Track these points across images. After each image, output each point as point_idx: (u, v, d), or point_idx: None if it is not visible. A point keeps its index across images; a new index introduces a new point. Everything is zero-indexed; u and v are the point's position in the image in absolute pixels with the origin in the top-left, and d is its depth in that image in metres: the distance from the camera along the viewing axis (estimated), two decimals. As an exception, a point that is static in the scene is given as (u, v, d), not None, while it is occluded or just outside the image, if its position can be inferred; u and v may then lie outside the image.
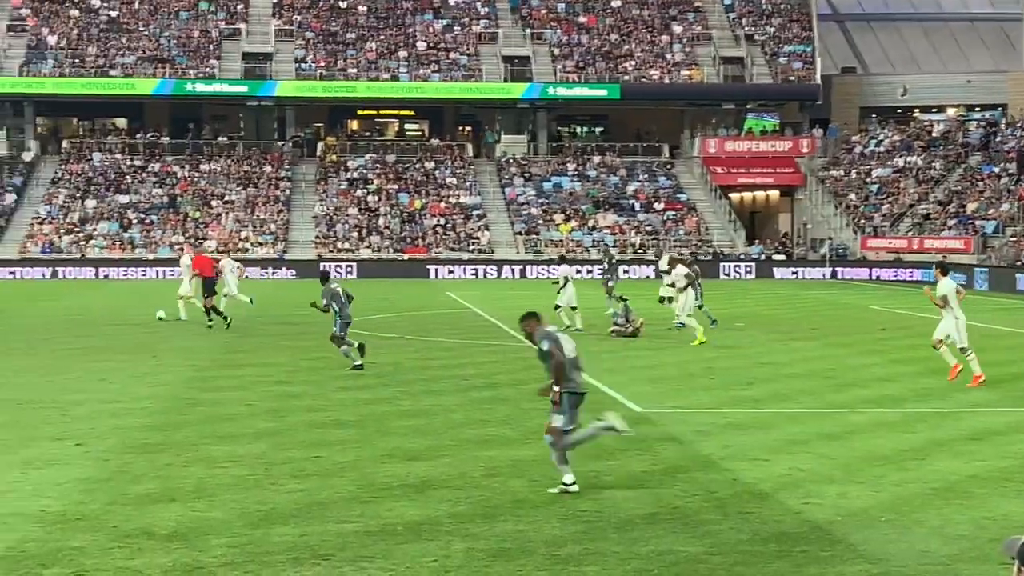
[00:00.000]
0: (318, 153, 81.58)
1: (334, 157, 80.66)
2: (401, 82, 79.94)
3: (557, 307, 34.57)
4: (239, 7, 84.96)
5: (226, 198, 75.45)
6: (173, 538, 11.84)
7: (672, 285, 33.38)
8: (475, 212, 74.79)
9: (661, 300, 36.64)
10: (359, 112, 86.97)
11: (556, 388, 14.06)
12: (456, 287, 57.92)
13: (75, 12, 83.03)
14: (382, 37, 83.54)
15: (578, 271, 35.00)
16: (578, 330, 33.29)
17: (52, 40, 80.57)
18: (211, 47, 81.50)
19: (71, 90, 77.61)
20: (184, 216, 73.39)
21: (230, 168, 78.44)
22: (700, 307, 35.00)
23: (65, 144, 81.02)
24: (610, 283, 36.32)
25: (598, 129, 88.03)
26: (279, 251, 70.56)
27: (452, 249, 71.12)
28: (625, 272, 42.73)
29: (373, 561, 11.17)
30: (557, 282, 35.37)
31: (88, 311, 39.26)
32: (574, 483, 13.95)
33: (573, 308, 34.52)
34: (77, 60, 79.20)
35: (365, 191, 76.63)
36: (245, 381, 23.37)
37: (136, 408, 19.91)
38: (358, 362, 24.96)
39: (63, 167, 77.90)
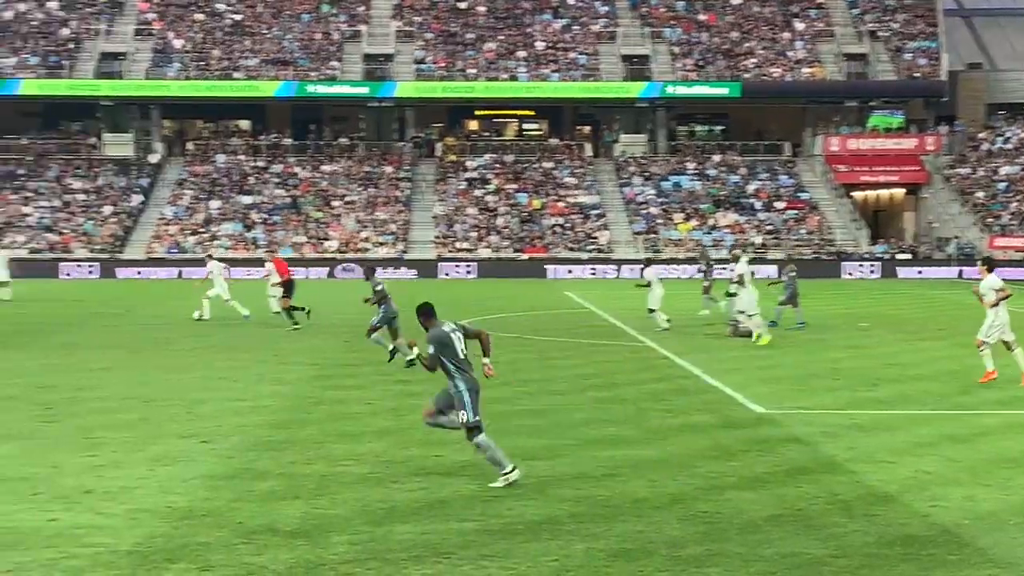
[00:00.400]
0: (437, 153, 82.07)
1: (453, 157, 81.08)
2: (520, 82, 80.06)
3: (651, 311, 34.45)
4: (360, 9, 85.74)
5: (347, 198, 76.18)
6: (296, 535, 11.97)
7: (738, 282, 32.37)
8: (594, 212, 74.68)
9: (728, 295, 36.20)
10: (478, 112, 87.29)
11: (427, 365, 14.58)
12: (574, 287, 57.85)
13: (200, 16, 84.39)
14: (501, 37, 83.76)
15: (660, 276, 34.87)
16: (664, 330, 33.27)
17: (178, 44, 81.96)
18: (332, 49, 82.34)
19: (196, 93, 78.90)
20: (305, 217, 74.25)
21: (351, 169, 79.20)
22: (794, 307, 34.71)
23: (190, 146, 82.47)
24: (705, 283, 36.27)
25: (718, 128, 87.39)
26: (399, 251, 71.08)
27: (571, 249, 71.07)
28: (720, 272, 42.48)
29: (494, 560, 11.19)
30: (642, 284, 35.33)
31: (212, 311, 39.77)
32: (515, 469, 14.26)
33: (651, 310, 34.48)
34: (202, 63, 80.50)
35: (484, 191, 76.90)
36: (365, 380, 23.56)
37: (259, 406, 20.16)
38: (407, 355, 24.97)
39: (188, 169, 79.25)
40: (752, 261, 38.09)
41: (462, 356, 14.40)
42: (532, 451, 16.26)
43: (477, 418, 14.26)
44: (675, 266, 66.92)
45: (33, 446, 16.48)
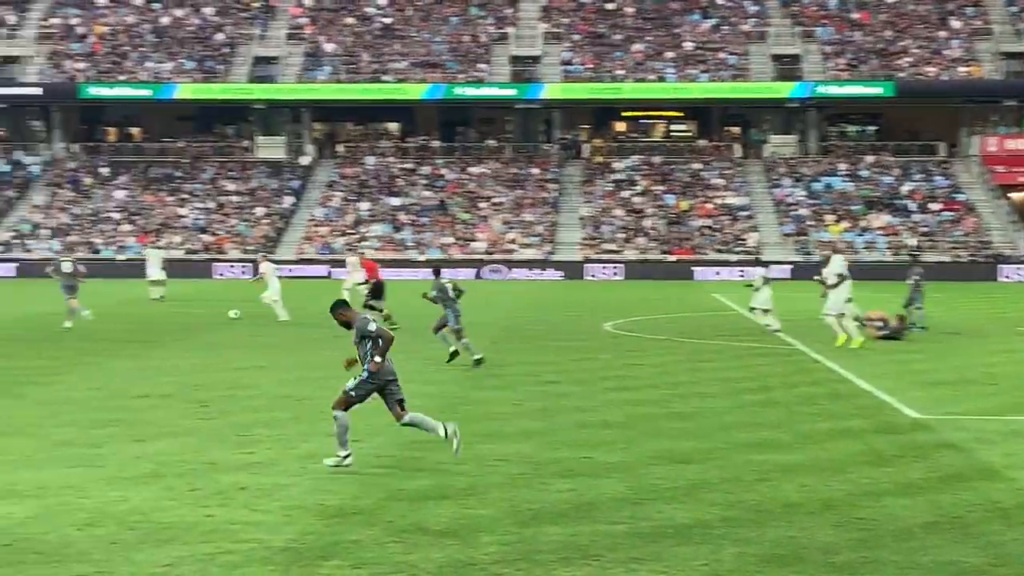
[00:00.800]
0: (584, 155, 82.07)
1: (600, 159, 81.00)
2: (668, 83, 79.66)
3: (752, 309, 34.44)
4: (508, 11, 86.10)
5: (494, 200, 76.56)
6: (446, 534, 12.04)
7: (823, 283, 31.20)
8: (742, 213, 74.03)
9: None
10: (625, 113, 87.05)
11: (378, 360, 15.50)
12: (722, 289, 57.38)
13: (350, 20, 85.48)
14: (649, 38, 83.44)
15: (768, 279, 34.59)
16: (776, 331, 32.87)
17: (329, 48, 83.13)
18: (480, 51, 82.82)
19: (346, 96, 79.93)
20: (453, 218, 74.79)
21: (498, 171, 79.57)
22: (918, 309, 34.05)
23: (340, 148, 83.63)
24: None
25: (870, 128, 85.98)
26: (545, 253, 71.22)
27: (718, 251, 70.54)
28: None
29: (643, 563, 11.14)
30: (751, 284, 35.03)
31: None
32: (348, 457, 15.11)
33: (766, 311, 34.15)
34: (352, 66, 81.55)
35: (631, 192, 76.70)
36: (513, 380, 23.64)
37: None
38: (475, 356, 25.77)
39: (338, 171, 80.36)
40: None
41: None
42: (682, 454, 16.16)
43: (354, 395, 15.44)
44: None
45: (190, 443, 16.83)
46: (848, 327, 30.21)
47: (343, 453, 15.14)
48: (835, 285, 30.48)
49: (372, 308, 34.41)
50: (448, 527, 12.31)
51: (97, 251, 71.83)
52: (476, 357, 25.82)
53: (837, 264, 31.70)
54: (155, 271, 48.15)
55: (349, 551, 11.45)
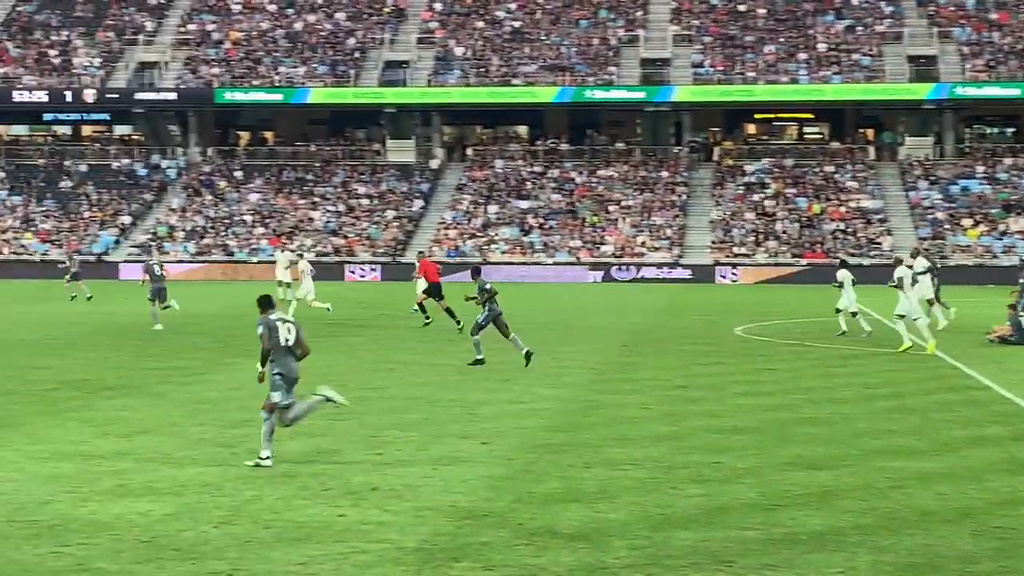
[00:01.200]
0: (715, 157, 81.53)
1: (731, 161, 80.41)
2: (800, 84, 78.84)
3: (838, 311, 34.06)
4: (638, 14, 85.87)
5: (623, 203, 76.41)
6: (576, 538, 12.06)
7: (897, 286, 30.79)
8: (876, 216, 72.99)
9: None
10: (756, 116, 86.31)
11: (261, 369, 16.18)
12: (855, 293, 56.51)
13: (480, 24, 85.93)
14: (781, 39, 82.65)
15: (854, 280, 34.37)
16: (867, 333, 32.48)
17: (459, 51, 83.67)
18: (610, 54, 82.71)
19: (476, 99, 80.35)
20: (582, 221, 74.78)
21: (627, 173, 79.39)
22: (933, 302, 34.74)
23: (469, 152, 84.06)
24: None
25: (1009, 130, 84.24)
26: (675, 256, 70.91)
27: (851, 254, 69.58)
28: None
29: (776, 570, 11.05)
30: (840, 285, 34.49)
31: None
32: (269, 459, 15.33)
33: (853, 313, 33.99)
34: (481, 70, 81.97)
35: (762, 195, 76.05)
36: (643, 385, 23.59)
37: (538, 409, 20.40)
38: (479, 356, 26.43)
39: (467, 174, 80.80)
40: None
41: (283, 344, 15.97)
42: (815, 460, 16.00)
43: (286, 401, 15.77)
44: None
45: (323, 443, 17.05)
46: (918, 329, 30.17)
47: (267, 454, 15.43)
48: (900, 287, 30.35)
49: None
50: (578, 530, 12.33)
51: (231, 253, 73.05)
52: (525, 351, 26.35)
53: (903, 269, 31.40)
54: (282, 273, 48.95)
55: (480, 553, 11.52)
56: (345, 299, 50.62)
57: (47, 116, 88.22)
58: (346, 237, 74.39)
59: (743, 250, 70.93)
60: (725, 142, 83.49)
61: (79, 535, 12.02)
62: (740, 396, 22.03)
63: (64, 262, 50.85)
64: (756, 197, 75.93)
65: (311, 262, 44.47)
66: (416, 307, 37.76)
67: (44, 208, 79.44)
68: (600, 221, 74.89)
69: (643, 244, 72.06)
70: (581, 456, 16.14)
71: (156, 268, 37.89)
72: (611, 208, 76.00)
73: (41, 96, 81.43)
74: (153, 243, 71.21)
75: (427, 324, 36.26)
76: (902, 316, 30.38)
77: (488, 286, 27.13)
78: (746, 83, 79.02)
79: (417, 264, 39.19)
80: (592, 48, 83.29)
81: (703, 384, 23.73)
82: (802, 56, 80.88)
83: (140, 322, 38.44)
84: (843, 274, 34.51)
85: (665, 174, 78.96)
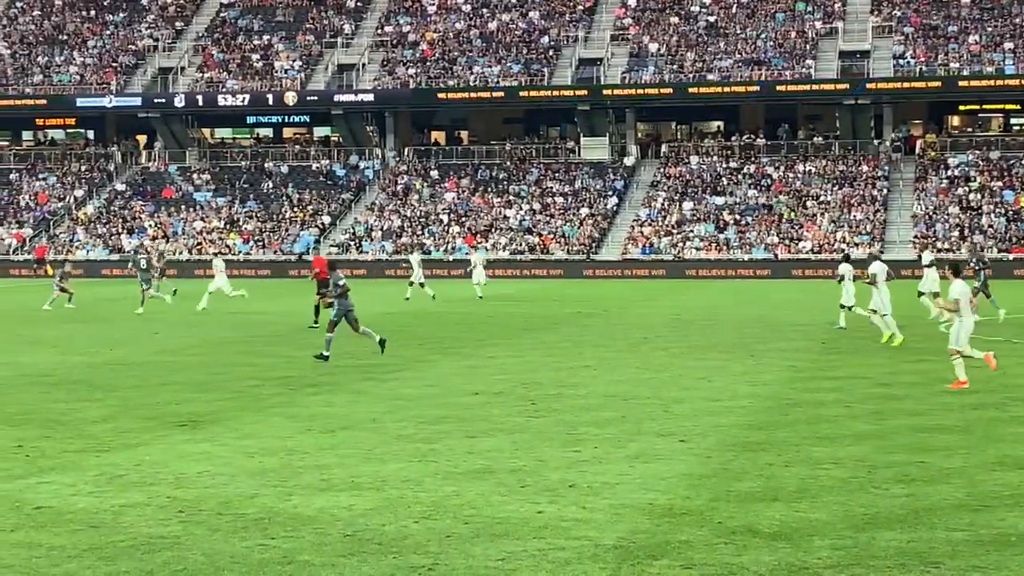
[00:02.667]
0: (917, 151, 79.72)
1: (934, 155, 78.55)
2: (1007, 74, 76.59)
3: (920, 294, 33.57)
4: (836, 6, 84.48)
5: (821, 199, 75.27)
6: (777, 537, 11.90)
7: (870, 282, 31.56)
8: (1088, 210, 70.64)
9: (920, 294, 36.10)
10: (961, 108, 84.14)
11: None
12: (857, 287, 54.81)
13: (675, 19, 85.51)
14: (987, 28, 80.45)
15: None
16: (883, 314, 31.40)
17: (652, 48, 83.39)
18: (807, 47, 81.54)
19: (670, 96, 79.97)
20: (779, 217, 73.89)
21: (825, 168, 78.17)
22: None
23: (664, 148, 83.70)
24: (976, 283, 34.94)
25: None
26: (876, 252, 69.54)
27: (1061, 249, 67.43)
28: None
29: (985, 572, 10.75)
30: (842, 279, 34.25)
31: (686, 311, 40.34)
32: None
33: (849, 307, 34.01)
34: (676, 66, 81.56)
35: (967, 189, 74.12)
36: (844, 383, 23.19)
37: (736, 407, 20.21)
38: (326, 353, 26.88)
39: (662, 171, 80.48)
40: None
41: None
42: (1024, 461, 15.53)
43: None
44: None
45: (520, 440, 17.15)
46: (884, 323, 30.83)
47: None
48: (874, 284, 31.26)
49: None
50: (779, 530, 12.17)
51: (428, 252, 74.00)
52: (379, 339, 27.91)
53: (877, 264, 32.20)
54: (417, 272, 49.93)
55: (679, 551, 11.46)
56: (539, 297, 50.85)
57: (250, 119, 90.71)
58: (540, 235, 74.74)
59: (947, 244, 69.21)
60: (928, 135, 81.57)
61: (284, 528, 12.30)
62: (946, 394, 21.51)
63: (140, 262, 48.14)
64: (960, 191, 74.05)
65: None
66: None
67: (247, 208, 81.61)
68: (797, 217, 73.87)
69: (842, 239, 70.84)
70: (781, 455, 15.93)
71: (142, 262, 46.70)
72: (809, 204, 74.91)
73: (244, 100, 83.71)
74: (146, 246, 73.23)
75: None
76: (875, 311, 31.19)
77: (342, 282, 27.77)
78: (949, 74, 77.07)
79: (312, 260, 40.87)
80: (789, 42, 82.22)
81: (907, 382, 23.24)
82: (1008, 45, 78.58)
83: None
84: (844, 268, 34.11)
85: (865, 168, 77.53)
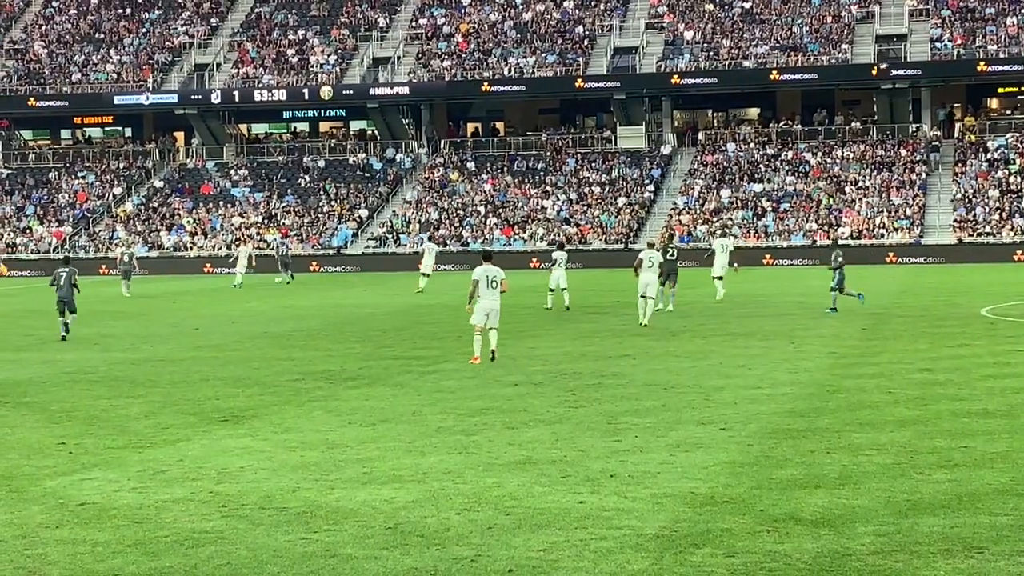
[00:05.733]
0: (955, 134, 79.18)
1: (973, 138, 78.01)
2: (1045, 55, 75.98)
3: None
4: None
5: (859, 184, 74.90)
6: (820, 524, 11.87)
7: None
8: None
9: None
10: (1000, 90, 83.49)
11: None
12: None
13: (710, 6, 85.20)
14: (1024, 10, 79.85)
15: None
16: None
17: (688, 35, 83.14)
18: (844, 32, 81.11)
19: (706, 83, 79.69)
20: (817, 203, 73.57)
21: (864, 153, 77.78)
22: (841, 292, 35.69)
23: (701, 136, 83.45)
24: None
25: None
26: (915, 237, 69.20)
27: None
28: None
29: (1031, 557, 10.69)
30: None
31: (725, 298, 40.19)
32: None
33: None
34: (712, 53, 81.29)
35: (1006, 172, 73.58)
36: (885, 368, 23.09)
37: (777, 394, 20.15)
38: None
39: (699, 159, 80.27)
40: None
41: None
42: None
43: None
44: None
45: (561, 430, 17.16)
46: None
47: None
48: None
49: None
50: (822, 516, 12.14)
51: (466, 244, 74.04)
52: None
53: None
54: (428, 262, 51.60)
55: (721, 539, 11.44)
56: (575, 287, 50.84)
57: (286, 114, 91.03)
58: (578, 225, 74.68)
59: (987, 228, 68.76)
60: (967, 118, 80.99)
61: (327, 521, 12.35)
62: (988, 379, 21.38)
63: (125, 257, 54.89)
64: (1000, 174, 73.52)
65: None
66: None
67: (285, 203, 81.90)
68: (836, 202, 73.54)
69: (881, 225, 70.48)
70: (822, 441, 15.88)
71: (126, 257, 53.52)
72: (847, 189, 74.56)
73: (280, 95, 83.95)
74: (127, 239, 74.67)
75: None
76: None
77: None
78: (987, 57, 76.50)
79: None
80: (825, 27, 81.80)
81: (948, 367, 23.11)
82: (1047, 25, 77.97)
83: (377, 313, 39.44)
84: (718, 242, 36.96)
85: (904, 152, 77.08)
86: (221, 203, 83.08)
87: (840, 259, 36.02)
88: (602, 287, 51.09)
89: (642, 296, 32.63)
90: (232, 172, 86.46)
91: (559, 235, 69.74)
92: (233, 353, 28.59)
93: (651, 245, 35.42)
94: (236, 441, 16.86)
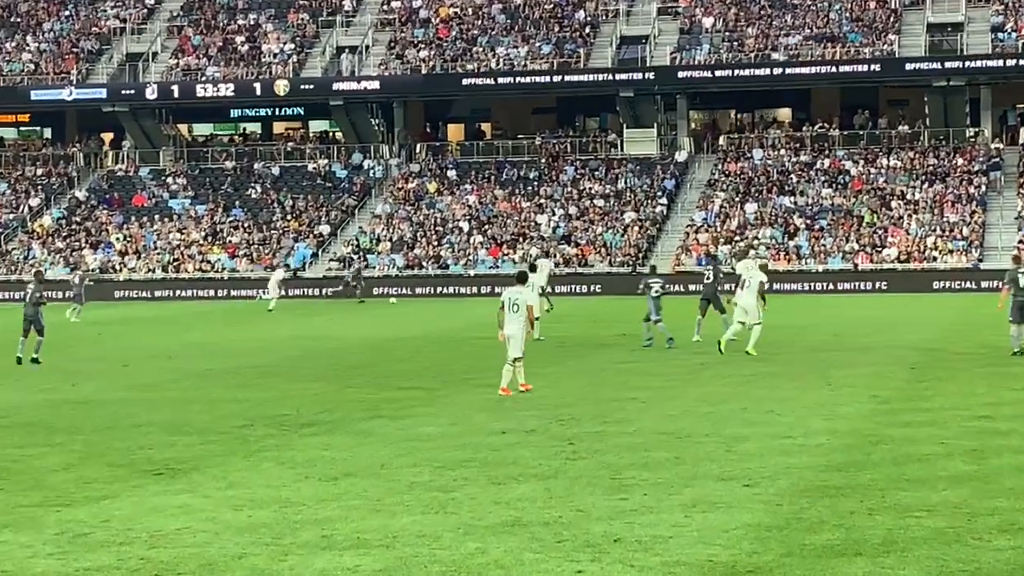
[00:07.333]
0: (1021, 141, 79.47)
1: (1042, 144, 78.35)
2: None
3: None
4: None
5: (908, 198, 75.13)
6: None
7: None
8: None
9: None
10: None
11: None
12: None
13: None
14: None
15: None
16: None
17: (707, 23, 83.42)
18: (890, 20, 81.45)
19: (729, 79, 79.90)
20: (858, 220, 73.77)
21: (913, 162, 78.05)
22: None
23: (722, 141, 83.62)
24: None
25: None
26: (973, 260, 69.35)
27: None
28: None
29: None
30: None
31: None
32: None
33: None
34: (735, 44, 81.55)
35: (1081, 184, 73.96)
36: (937, 415, 23.12)
37: (811, 445, 20.16)
38: None
39: (720, 167, 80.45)
40: None
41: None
42: None
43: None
44: None
45: (555, 487, 17.14)
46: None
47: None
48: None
49: None
50: (862, 589, 12.16)
51: (445, 266, 74.13)
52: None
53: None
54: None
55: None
56: (574, 316, 50.84)
57: (234, 112, 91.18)
58: (578, 244, 74.78)
59: (1058, 251, 69.03)
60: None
61: (279, 593, 12.33)
62: (1058, 428, 21.45)
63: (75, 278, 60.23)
64: (1073, 186, 73.90)
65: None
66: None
67: (232, 218, 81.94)
68: (881, 220, 73.75)
69: (934, 246, 70.68)
70: (864, 501, 15.90)
71: (76, 279, 58.92)
72: (894, 204, 74.79)
73: (227, 90, 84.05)
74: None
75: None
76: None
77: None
78: (1058, 48, 76.91)
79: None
80: (868, 14, 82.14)
81: (1012, 413, 23.14)
82: None
83: (340, 348, 39.41)
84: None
85: (960, 161, 77.37)
86: (157, 217, 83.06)
87: (658, 288, 37.45)
88: (605, 317, 51.13)
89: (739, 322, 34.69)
90: (170, 180, 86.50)
91: (541, 254, 69.55)
92: (169, 394, 28.55)
93: (763, 268, 37.43)
94: (172, 498, 16.83)
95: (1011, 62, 77.09)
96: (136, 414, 25.11)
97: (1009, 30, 78.97)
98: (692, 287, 68.07)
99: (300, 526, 15.06)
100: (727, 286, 40.28)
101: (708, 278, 39.78)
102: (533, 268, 42.35)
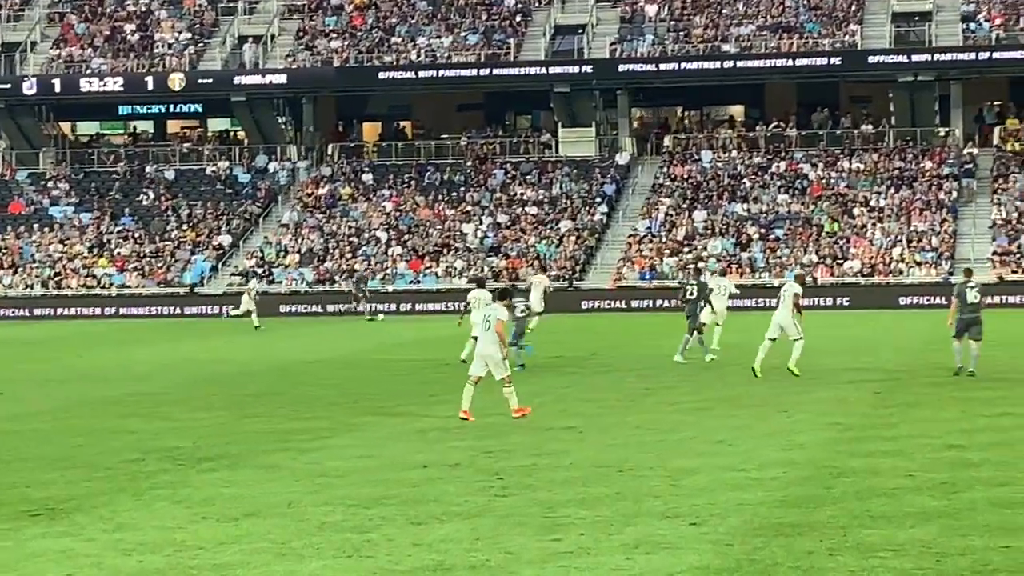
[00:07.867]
0: (995, 141, 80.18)
1: (1017, 146, 79.09)
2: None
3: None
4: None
5: (872, 204, 75.64)
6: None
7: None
8: None
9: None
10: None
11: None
12: None
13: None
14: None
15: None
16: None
17: (651, 11, 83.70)
18: (852, 8, 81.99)
19: (675, 72, 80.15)
20: (818, 229, 74.18)
21: (877, 165, 78.60)
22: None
23: (667, 141, 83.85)
24: None
25: None
26: (943, 273, 69.85)
27: None
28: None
29: None
30: None
31: (698, 353, 40.41)
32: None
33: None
34: (682, 34, 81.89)
35: (1061, 189, 74.77)
36: (904, 444, 23.28)
37: (765, 478, 20.26)
38: None
39: (665, 171, 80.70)
40: None
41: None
42: None
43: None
44: None
45: (482, 526, 17.14)
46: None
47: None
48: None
49: None
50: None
51: (362, 280, 73.94)
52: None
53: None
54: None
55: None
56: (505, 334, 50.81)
57: (123, 109, 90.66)
58: (508, 256, 74.79)
59: (1037, 263, 69.70)
60: (1009, 119, 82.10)
61: (173, 647, 12.27)
62: (1035, 458, 21.67)
63: None
64: (1053, 191, 74.68)
65: None
66: None
67: (121, 227, 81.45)
68: (842, 229, 74.22)
69: (901, 258, 71.18)
70: (823, 540, 15.99)
71: None
72: (856, 211, 75.29)
73: (115, 84, 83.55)
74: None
75: None
76: None
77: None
78: (1035, 40, 77.70)
79: None
80: (828, 1, 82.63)
81: (985, 442, 23.34)
82: (1111, 2, 79.40)
83: (244, 372, 39.26)
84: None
85: (929, 164, 77.99)
86: (36, 226, 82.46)
87: (523, 308, 38.10)
88: (540, 336, 51.13)
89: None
90: (51, 185, 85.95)
91: (481, 269, 69.82)
92: (50, 425, 28.34)
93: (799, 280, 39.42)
94: (52, 542, 16.70)
95: (984, 55, 77.86)
96: (13, 447, 24.91)
97: (981, 20, 79.70)
98: (662, 303, 68.43)
99: (197, 572, 14.99)
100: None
101: (691, 294, 40.80)
102: (504, 295, 42.60)
